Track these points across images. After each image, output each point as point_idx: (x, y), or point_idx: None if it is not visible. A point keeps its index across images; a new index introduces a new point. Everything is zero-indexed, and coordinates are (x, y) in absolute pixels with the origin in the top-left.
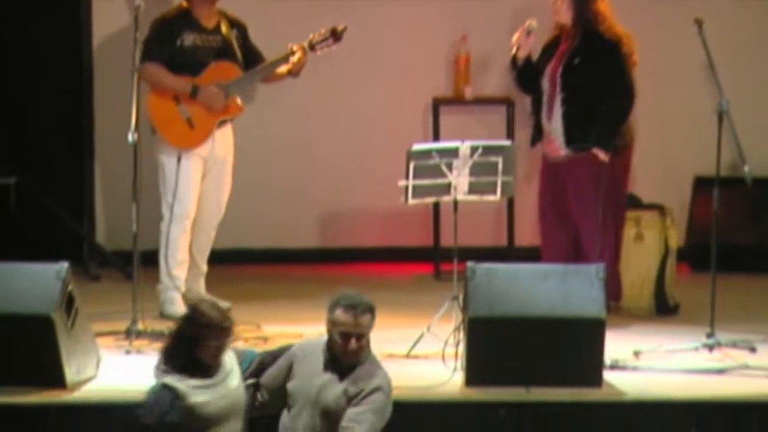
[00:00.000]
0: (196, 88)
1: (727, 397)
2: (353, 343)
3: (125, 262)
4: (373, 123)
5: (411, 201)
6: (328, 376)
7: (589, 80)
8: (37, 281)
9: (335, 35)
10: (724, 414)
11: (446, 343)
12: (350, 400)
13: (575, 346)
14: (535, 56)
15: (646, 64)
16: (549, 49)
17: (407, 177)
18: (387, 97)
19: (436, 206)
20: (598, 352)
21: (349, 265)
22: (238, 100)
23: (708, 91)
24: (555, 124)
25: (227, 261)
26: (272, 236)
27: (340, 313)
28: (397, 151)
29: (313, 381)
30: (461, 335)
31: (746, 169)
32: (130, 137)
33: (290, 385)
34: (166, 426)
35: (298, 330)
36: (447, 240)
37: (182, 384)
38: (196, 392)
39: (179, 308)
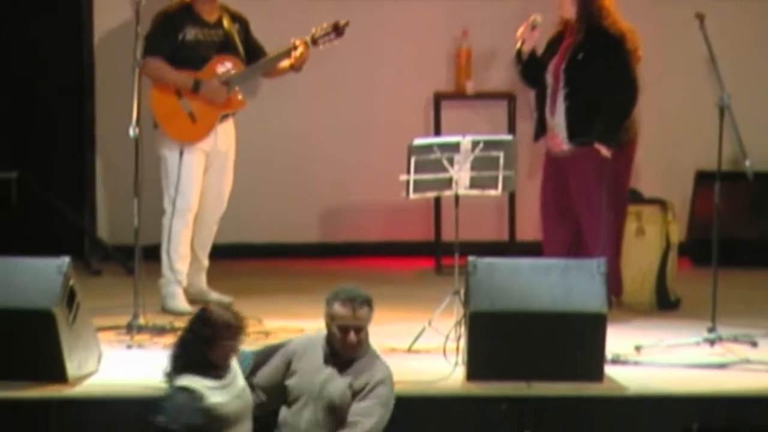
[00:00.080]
0: (198, 83)
1: (729, 391)
2: (352, 336)
3: (126, 256)
4: (374, 118)
5: (412, 195)
6: (330, 371)
7: (592, 75)
8: (38, 276)
9: (337, 30)
10: (726, 408)
11: (447, 337)
12: (355, 394)
13: (576, 341)
14: (540, 51)
15: (648, 59)
16: (553, 44)
17: (408, 171)
18: (388, 91)
19: (438, 201)
20: (599, 347)
21: (350, 260)
22: (240, 95)
23: (709, 85)
24: (558, 119)
25: (228, 255)
26: (273, 231)
27: (338, 307)
28: (399, 146)
29: (316, 376)
30: (462, 330)
31: (747, 163)
32: (132, 132)
33: (290, 382)
34: (191, 429)
35: (300, 325)
36: (448, 235)
37: (200, 385)
38: (213, 393)
39: (181, 303)
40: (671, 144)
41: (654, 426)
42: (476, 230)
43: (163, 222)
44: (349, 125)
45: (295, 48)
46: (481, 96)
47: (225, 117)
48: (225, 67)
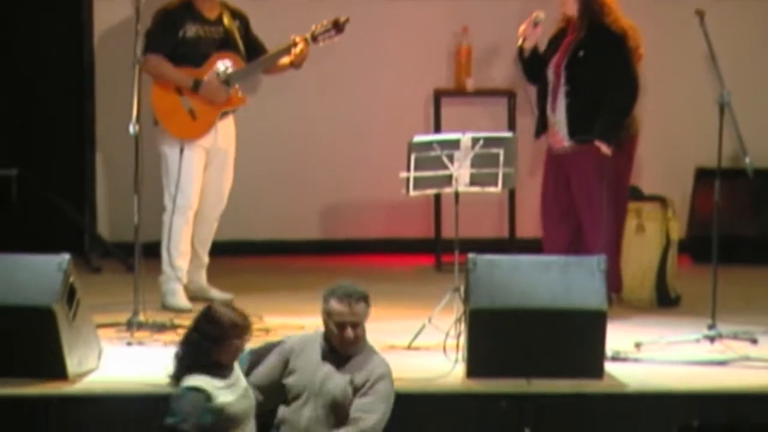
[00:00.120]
0: (198, 82)
1: (729, 388)
2: (349, 331)
3: (127, 253)
4: (374, 114)
5: (412, 192)
6: (329, 368)
7: (594, 73)
8: (38, 273)
9: (337, 26)
10: (726, 405)
11: (447, 334)
12: (356, 390)
13: (576, 338)
14: (542, 48)
15: (648, 57)
16: (555, 41)
17: (408, 168)
18: (388, 88)
19: (438, 198)
20: (599, 344)
21: (351, 257)
22: (240, 92)
23: (709, 82)
24: (559, 116)
25: (229, 252)
26: (274, 228)
27: (334, 303)
28: (399, 143)
29: (315, 373)
30: (462, 327)
31: (747, 160)
32: (132, 129)
33: (289, 381)
34: (201, 430)
35: (300, 321)
36: (448, 231)
37: (209, 385)
38: (222, 392)
39: (181, 300)
40: (671, 141)
41: (654, 423)
42: (476, 227)
43: (163, 219)
44: (350, 122)
45: (295, 45)
46: (482, 93)
47: (225, 114)
48: (225, 64)
